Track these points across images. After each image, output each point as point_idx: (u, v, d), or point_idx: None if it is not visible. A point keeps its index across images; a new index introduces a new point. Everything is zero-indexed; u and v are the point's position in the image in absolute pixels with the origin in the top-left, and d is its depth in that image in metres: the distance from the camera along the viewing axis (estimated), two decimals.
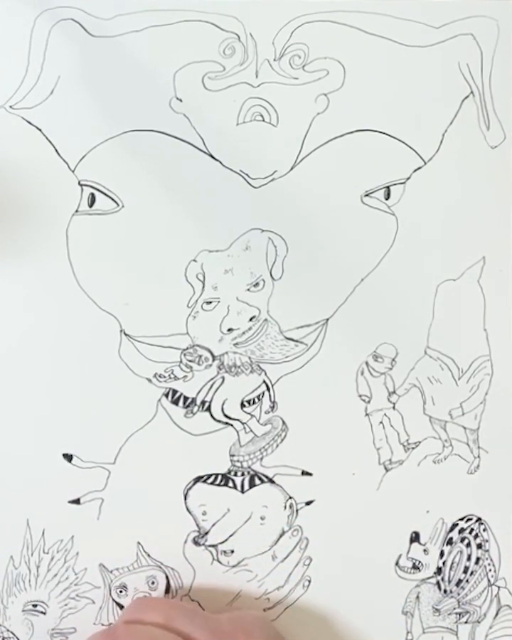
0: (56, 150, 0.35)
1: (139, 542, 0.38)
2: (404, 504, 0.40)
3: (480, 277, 0.40)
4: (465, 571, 0.41)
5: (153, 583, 0.39)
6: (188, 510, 0.38)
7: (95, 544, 0.38)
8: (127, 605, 0.38)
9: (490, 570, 0.42)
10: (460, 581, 0.42)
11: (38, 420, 0.37)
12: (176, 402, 0.38)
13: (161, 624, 0.34)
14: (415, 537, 0.41)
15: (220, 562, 0.39)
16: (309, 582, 0.40)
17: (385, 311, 0.39)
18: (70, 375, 0.37)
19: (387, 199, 0.38)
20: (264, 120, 0.36)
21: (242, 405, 0.38)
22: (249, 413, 0.38)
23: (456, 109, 0.38)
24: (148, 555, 0.38)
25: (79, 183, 0.36)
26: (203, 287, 0.37)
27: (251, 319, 0.38)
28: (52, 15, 0.34)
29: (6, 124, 0.34)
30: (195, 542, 0.39)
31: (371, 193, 0.38)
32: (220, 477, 0.39)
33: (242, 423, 0.39)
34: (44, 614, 0.38)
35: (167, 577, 0.39)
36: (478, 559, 0.42)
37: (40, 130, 0.35)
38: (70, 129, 0.35)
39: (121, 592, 0.38)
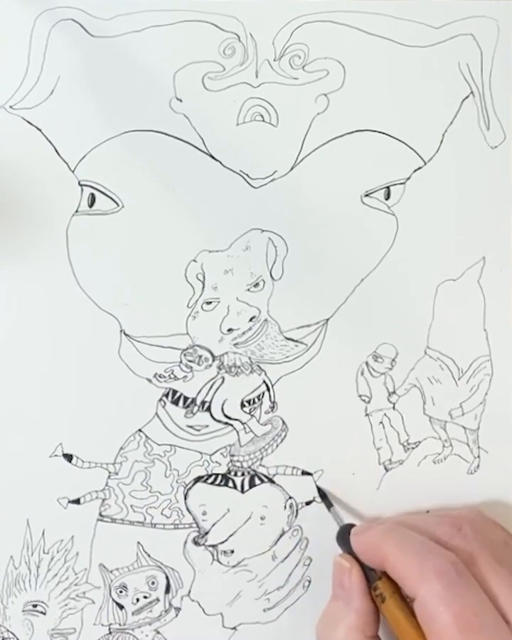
0: (56, 150, 0.35)
1: (139, 542, 0.38)
2: (404, 504, 0.40)
3: (480, 277, 0.40)
4: None
5: (153, 583, 0.39)
6: (188, 510, 0.38)
7: (95, 544, 0.38)
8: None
9: None
10: None
11: (37, 420, 0.37)
12: (176, 402, 0.38)
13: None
14: None
15: (220, 562, 0.39)
16: (309, 582, 0.40)
17: (385, 311, 0.39)
18: (70, 375, 0.37)
19: (387, 199, 0.38)
20: (264, 120, 0.36)
21: (242, 405, 0.38)
22: (249, 413, 0.38)
23: (456, 109, 0.38)
24: (149, 555, 0.38)
25: (79, 183, 0.36)
26: (203, 287, 0.37)
27: (251, 319, 0.38)
28: (52, 15, 0.34)
29: (6, 124, 0.34)
30: (195, 542, 0.39)
31: (371, 193, 0.38)
32: (220, 477, 0.39)
33: (242, 423, 0.38)
34: (44, 614, 0.38)
35: (167, 577, 0.39)
36: None
37: (40, 130, 0.35)
38: (70, 129, 0.35)
39: (121, 592, 0.38)
